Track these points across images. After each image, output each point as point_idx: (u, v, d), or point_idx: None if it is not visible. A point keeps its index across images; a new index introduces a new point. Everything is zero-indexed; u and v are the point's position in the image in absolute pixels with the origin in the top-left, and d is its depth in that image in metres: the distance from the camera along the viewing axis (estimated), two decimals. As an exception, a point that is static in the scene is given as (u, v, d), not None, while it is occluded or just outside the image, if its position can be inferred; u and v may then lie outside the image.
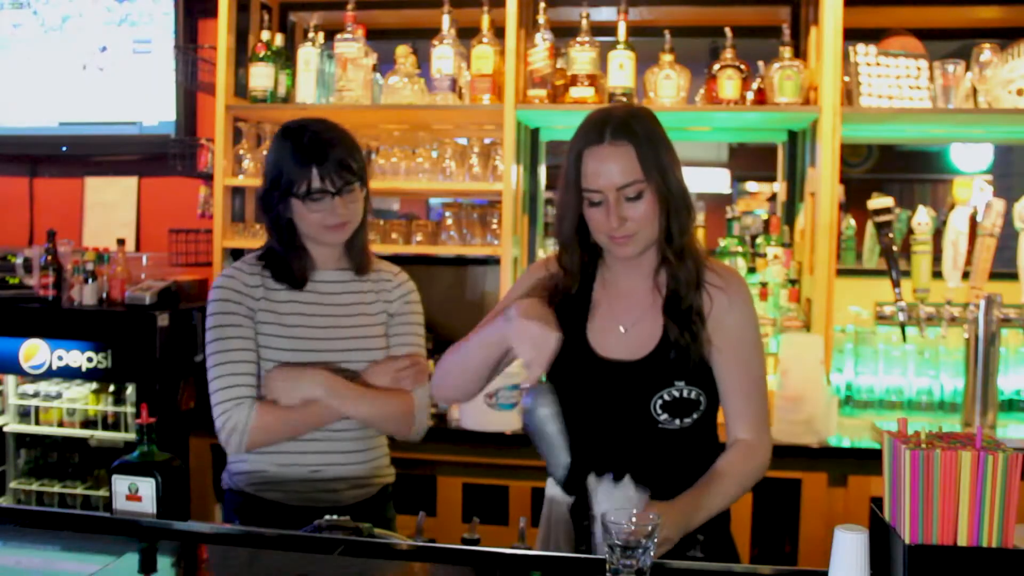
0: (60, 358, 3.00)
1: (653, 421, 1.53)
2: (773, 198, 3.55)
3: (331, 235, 1.81)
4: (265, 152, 2.50)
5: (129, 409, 3.10)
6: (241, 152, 3.15)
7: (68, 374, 3.03)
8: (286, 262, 1.83)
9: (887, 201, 2.88)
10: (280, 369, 1.78)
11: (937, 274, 2.88)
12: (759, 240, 3.17)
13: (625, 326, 1.59)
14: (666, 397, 1.52)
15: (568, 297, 1.62)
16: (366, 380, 1.83)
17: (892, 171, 6.36)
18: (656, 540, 1.24)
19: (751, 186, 7.56)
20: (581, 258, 1.61)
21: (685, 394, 1.53)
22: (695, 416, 1.55)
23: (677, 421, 1.54)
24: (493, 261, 3.14)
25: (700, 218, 3.11)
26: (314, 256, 1.85)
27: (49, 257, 3.08)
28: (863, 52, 2.87)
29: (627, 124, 1.51)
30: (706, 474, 1.55)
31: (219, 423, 1.75)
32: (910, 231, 2.90)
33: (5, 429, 3.27)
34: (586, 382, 1.58)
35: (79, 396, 3.19)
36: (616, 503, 1.28)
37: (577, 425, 1.51)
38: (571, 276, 1.62)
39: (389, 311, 1.92)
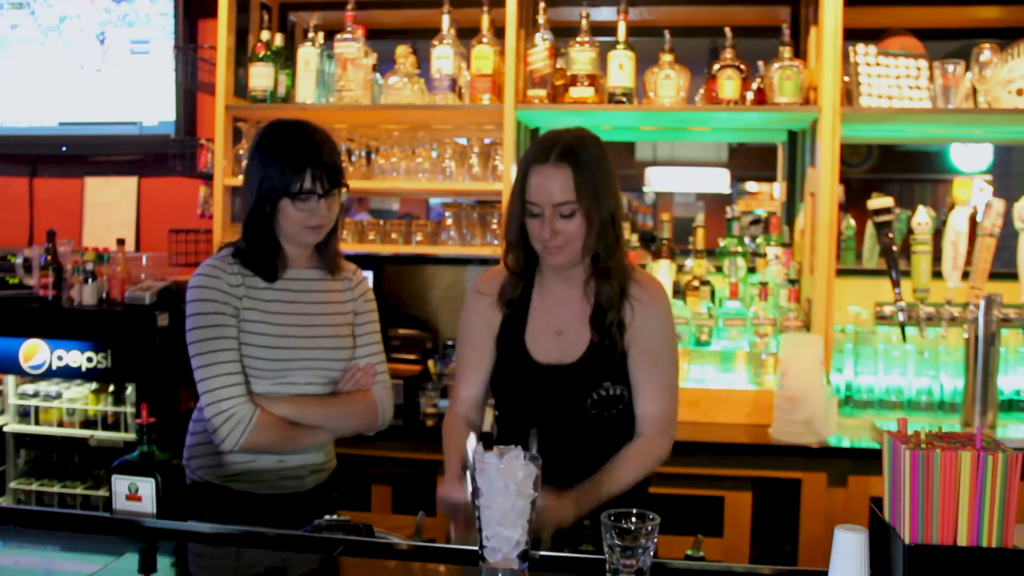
0: (60, 358, 3.00)
1: (586, 415, 1.75)
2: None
3: (310, 235, 1.87)
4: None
5: (129, 409, 3.10)
6: (241, 152, 3.15)
7: (68, 374, 3.03)
8: (261, 257, 1.87)
9: (887, 201, 2.88)
10: None
11: (937, 274, 2.88)
12: (759, 240, 3.18)
13: (559, 331, 1.79)
14: (595, 396, 1.74)
15: (509, 306, 1.82)
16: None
17: (892, 171, 6.37)
18: (654, 539, 1.25)
19: (751, 186, 7.57)
20: (523, 260, 1.80)
21: (612, 392, 1.75)
22: (619, 408, 1.77)
23: (605, 413, 1.76)
24: (493, 261, 3.13)
25: (700, 218, 3.12)
26: (287, 254, 1.90)
27: (49, 257, 3.08)
28: (863, 52, 2.87)
29: (572, 150, 1.69)
30: (606, 465, 1.74)
31: (221, 417, 1.77)
32: (910, 231, 2.90)
33: (5, 429, 3.27)
34: (525, 384, 1.79)
35: (79, 396, 3.19)
36: (504, 477, 1.26)
37: (517, 421, 1.75)
38: (514, 276, 1.82)
39: (355, 309, 2.01)
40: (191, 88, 3.44)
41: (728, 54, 2.90)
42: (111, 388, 3.17)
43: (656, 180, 7.44)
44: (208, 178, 3.31)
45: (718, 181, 7.33)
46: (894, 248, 2.88)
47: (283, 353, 1.85)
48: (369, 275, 3.12)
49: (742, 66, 2.89)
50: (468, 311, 1.90)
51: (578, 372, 1.75)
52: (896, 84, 2.84)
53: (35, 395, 3.21)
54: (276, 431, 1.82)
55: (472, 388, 1.88)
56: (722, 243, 3.16)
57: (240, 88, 3.17)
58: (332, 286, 1.97)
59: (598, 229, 1.70)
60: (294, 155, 1.80)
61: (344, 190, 1.88)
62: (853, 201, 4.04)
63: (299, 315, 1.89)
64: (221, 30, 3.08)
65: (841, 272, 2.96)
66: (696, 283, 2.96)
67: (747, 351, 2.97)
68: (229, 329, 1.82)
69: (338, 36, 3.05)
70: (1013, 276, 2.87)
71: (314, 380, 1.90)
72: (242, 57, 3.17)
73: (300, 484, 1.91)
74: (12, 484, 3.28)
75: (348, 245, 3.15)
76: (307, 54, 3.07)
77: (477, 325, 1.86)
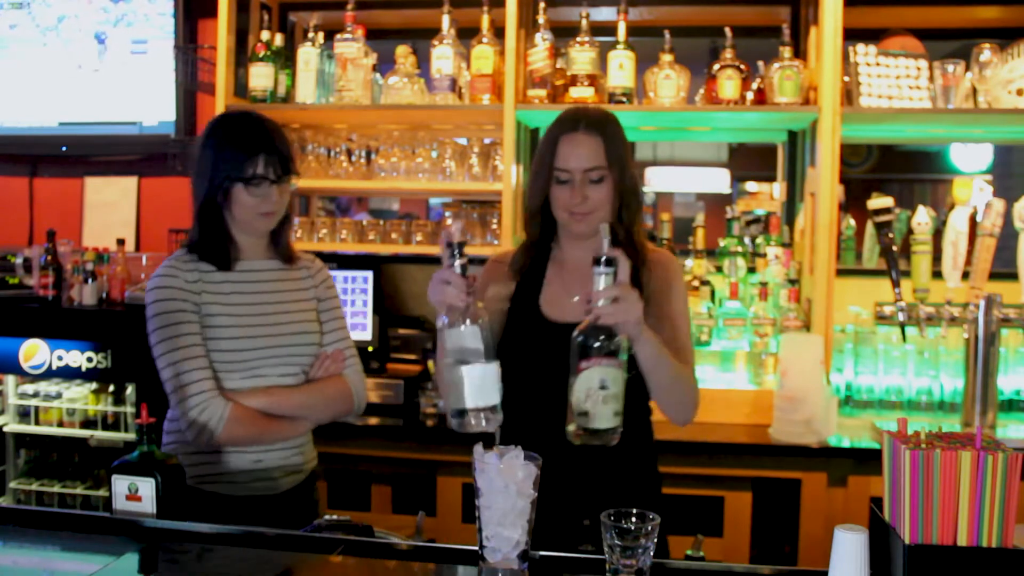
0: (60, 358, 3.00)
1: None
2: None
3: (262, 222, 1.88)
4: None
5: (129, 409, 3.10)
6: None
7: (68, 374, 3.03)
8: (213, 247, 1.89)
9: (887, 201, 2.88)
10: None
11: (937, 274, 2.88)
12: (759, 240, 3.17)
13: (574, 294, 1.74)
14: None
15: (524, 276, 1.83)
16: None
17: (892, 171, 6.37)
18: (654, 539, 1.24)
19: (751, 186, 7.57)
20: (541, 230, 1.83)
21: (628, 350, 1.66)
22: (634, 372, 1.68)
23: None
24: (493, 261, 3.14)
25: (700, 218, 3.12)
26: (241, 246, 1.92)
27: (49, 257, 3.08)
28: (863, 52, 2.87)
29: (600, 121, 1.76)
30: None
31: (195, 412, 1.77)
32: (910, 231, 2.90)
33: (5, 429, 3.27)
34: (538, 344, 1.76)
35: (79, 396, 3.19)
36: (504, 477, 1.27)
37: (530, 385, 1.68)
38: (527, 248, 1.84)
39: (317, 296, 2.02)
40: (191, 88, 3.44)
41: (728, 54, 2.90)
42: (111, 388, 3.17)
43: (656, 180, 7.44)
44: (208, 178, 3.30)
45: (718, 181, 7.33)
46: (894, 248, 2.88)
47: (250, 343, 1.86)
48: (369, 275, 3.15)
49: (742, 66, 2.89)
50: (483, 277, 1.88)
51: None
52: (896, 84, 2.84)
53: (35, 395, 3.21)
54: (251, 424, 1.82)
55: None
56: (722, 243, 3.16)
57: (240, 88, 3.17)
58: (291, 275, 1.98)
59: (622, 198, 1.74)
60: (247, 141, 1.83)
61: (295, 179, 1.90)
62: (853, 201, 4.04)
63: (262, 305, 1.90)
64: (221, 30, 3.08)
65: (841, 272, 2.96)
66: (696, 283, 2.96)
67: (747, 351, 2.97)
68: (191, 325, 1.82)
69: (338, 36, 3.06)
70: (1013, 276, 2.87)
71: (286, 372, 1.90)
72: (242, 57, 3.17)
73: (273, 486, 1.90)
74: (12, 484, 3.28)
75: (348, 245, 3.15)
76: (307, 54, 3.07)
77: (491, 289, 1.85)
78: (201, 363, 1.80)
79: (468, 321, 1.45)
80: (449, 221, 3.15)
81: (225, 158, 1.83)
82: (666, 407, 1.74)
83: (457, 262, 1.46)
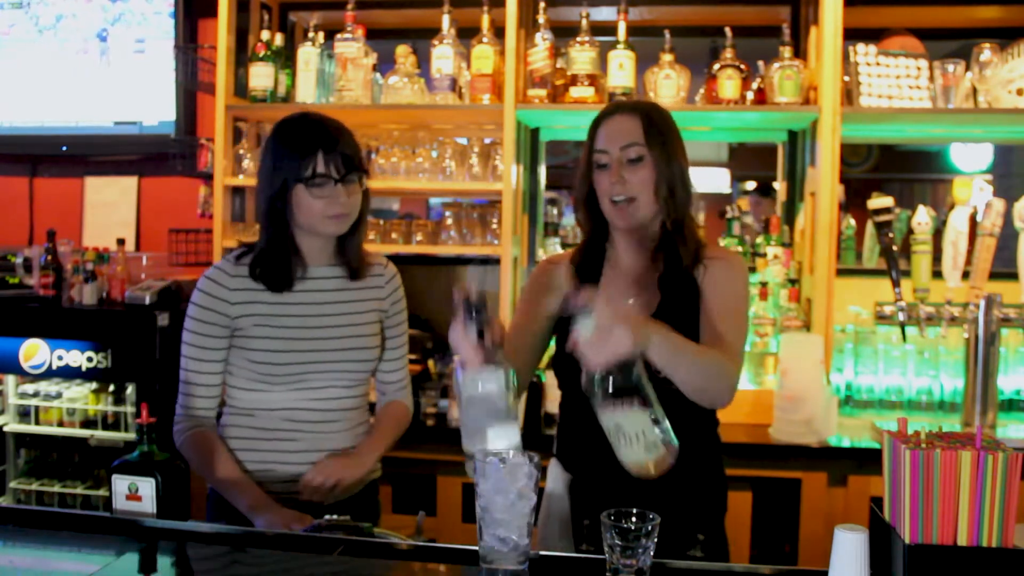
0: (60, 358, 3.00)
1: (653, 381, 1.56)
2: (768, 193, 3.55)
3: (331, 225, 1.78)
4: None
5: (129, 409, 3.11)
6: (241, 152, 3.15)
7: (68, 374, 3.03)
8: (276, 263, 1.80)
9: (887, 201, 2.88)
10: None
11: (937, 274, 2.88)
12: (759, 240, 3.18)
13: (630, 298, 1.70)
14: None
15: (579, 279, 1.73)
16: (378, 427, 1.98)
17: (892, 171, 6.36)
18: (654, 539, 1.24)
19: (751, 186, 7.56)
20: (592, 225, 1.75)
21: None
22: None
23: (672, 386, 1.56)
24: (493, 261, 3.14)
25: (700, 218, 3.12)
26: (305, 253, 1.83)
27: (49, 257, 3.08)
28: (863, 52, 2.87)
29: (641, 106, 1.72)
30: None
31: (175, 418, 1.85)
32: (910, 231, 2.90)
33: (5, 429, 3.27)
34: None
35: (79, 396, 3.19)
36: (506, 479, 1.26)
37: (583, 399, 1.56)
38: (586, 243, 1.77)
39: (383, 307, 1.94)
40: (191, 88, 3.44)
41: (728, 54, 2.90)
42: (111, 388, 3.17)
43: (656, 180, 7.42)
44: (208, 178, 3.31)
45: (718, 181, 7.32)
46: (894, 248, 2.88)
47: (294, 356, 1.79)
48: (369, 275, 3.15)
49: (742, 66, 2.89)
50: (536, 278, 1.80)
51: None
52: (896, 84, 2.84)
53: (35, 395, 3.21)
54: (189, 454, 1.80)
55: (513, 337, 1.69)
56: (722, 243, 3.16)
57: (240, 88, 3.17)
58: (354, 284, 1.89)
59: (667, 186, 1.65)
60: (305, 140, 1.75)
61: (364, 178, 1.80)
62: (853, 201, 4.04)
63: (313, 316, 1.82)
64: (221, 30, 3.08)
65: (841, 272, 2.96)
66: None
67: (747, 351, 2.97)
68: (212, 340, 1.81)
69: (338, 36, 3.06)
70: (1013, 276, 2.87)
71: (335, 382, 1.83)
72: (242, 57, 3.17)
73: (308, 504, 1.77)
74: (12, 484, 3.28)
75: (348, 245, 3.15)
76: (307, 54, 3.07)
77: (540, 292, 1.76)
78: (210, 379, 1.83)
79: (484, 375, 1.39)
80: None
81: (284, 160, 1.75)
82: (694, 396, 1.55)
83: (474, 328, 1.39)
